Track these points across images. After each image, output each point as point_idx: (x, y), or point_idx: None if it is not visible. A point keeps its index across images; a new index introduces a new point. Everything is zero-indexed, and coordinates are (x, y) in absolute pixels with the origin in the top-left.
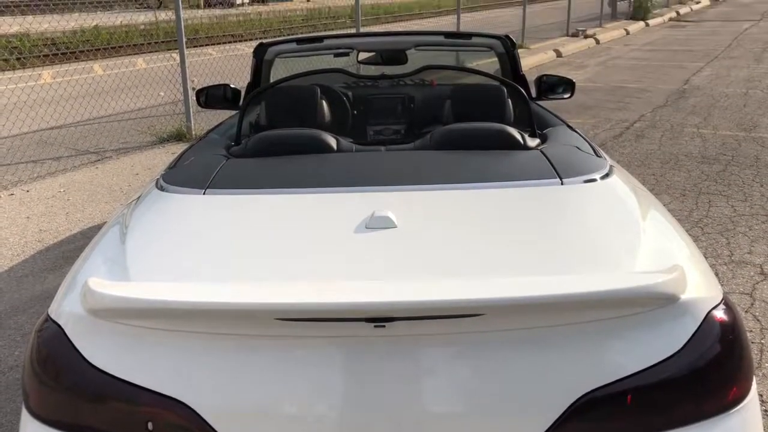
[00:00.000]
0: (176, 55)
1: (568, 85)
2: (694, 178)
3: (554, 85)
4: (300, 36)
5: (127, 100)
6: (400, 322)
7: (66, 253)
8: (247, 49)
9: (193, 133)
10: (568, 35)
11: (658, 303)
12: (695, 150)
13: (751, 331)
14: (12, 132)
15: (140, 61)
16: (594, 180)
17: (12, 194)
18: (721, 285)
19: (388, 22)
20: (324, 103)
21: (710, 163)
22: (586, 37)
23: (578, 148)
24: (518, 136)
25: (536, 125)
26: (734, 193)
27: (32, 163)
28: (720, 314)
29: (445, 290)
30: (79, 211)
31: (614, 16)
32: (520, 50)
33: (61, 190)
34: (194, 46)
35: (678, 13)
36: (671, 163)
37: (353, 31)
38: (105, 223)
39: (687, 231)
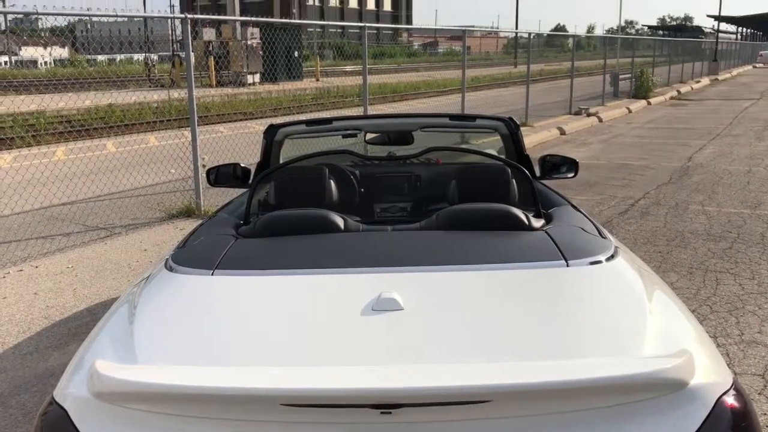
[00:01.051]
0: (187, 133)
1: (572, 165)
2: (700, 255)
3: (558, 165)
4: (309, 118)
5: (137, 176)
6: (406, 409)
7: (72, 330)
8: (257, 126)
9: (202, 209)
10: (571, 113)
11: (666, 389)
12: (700, 227)
13: (764, 414)
14: (24, 208)
15: (152, 139)
16: (599, 262)
17: (21, 270)
18: (732, 366)
19: (394, 101)
20: (332, 182)
21: (716, 241)
22: (588, 115)
23: (583, 229)
24: (523, 217)
25: (541, 205)
26: (742, 271)
27: (42, 239)
28: (730, 400)
29: (451, 376)
30: (86, 288)
31: (616, 95)
32: (524, 128)
33: (70, 266)
34: (205, 124)
35: (679, 91)
36: (677, 240)
37: (361, 108)
38: (112, 299)
39: (695, 310)
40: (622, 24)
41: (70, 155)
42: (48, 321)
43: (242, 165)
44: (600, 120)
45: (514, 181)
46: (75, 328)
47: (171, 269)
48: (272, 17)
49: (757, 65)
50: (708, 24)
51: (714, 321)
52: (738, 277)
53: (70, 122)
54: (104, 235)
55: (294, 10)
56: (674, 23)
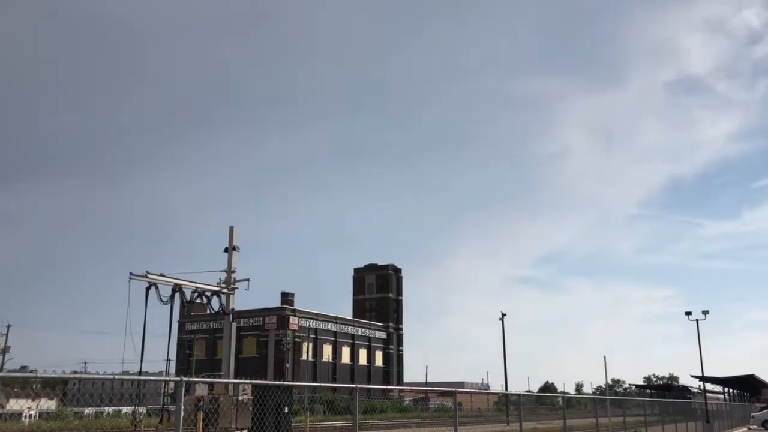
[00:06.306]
0: None
1: None
2: None
3: None
4: None
5: None
6: None
7: None
8: None
9: None
10: None
11: None
12: None
13: None
14: None
15: None
16: None
17: None
18: None
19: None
20: None
21: None
22: None
23: None
24: None
25: None
26: None
27: None
28: None
29: None
30: None
31: None
32: None
33: None
34: None
35: None
36: None
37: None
38: None
39: None
40: (609, 382)
41: None
42: None
43: None
44: None
45: None
46: None
47: None
48: (266, 372)
49: (752, 427)
50: (693, 383)
51: None
52: None
53: None
54: None
55: (287, 365)
56: (660, 382)
